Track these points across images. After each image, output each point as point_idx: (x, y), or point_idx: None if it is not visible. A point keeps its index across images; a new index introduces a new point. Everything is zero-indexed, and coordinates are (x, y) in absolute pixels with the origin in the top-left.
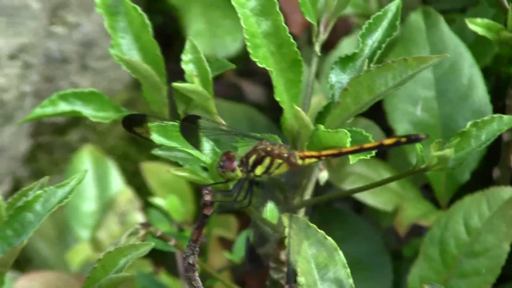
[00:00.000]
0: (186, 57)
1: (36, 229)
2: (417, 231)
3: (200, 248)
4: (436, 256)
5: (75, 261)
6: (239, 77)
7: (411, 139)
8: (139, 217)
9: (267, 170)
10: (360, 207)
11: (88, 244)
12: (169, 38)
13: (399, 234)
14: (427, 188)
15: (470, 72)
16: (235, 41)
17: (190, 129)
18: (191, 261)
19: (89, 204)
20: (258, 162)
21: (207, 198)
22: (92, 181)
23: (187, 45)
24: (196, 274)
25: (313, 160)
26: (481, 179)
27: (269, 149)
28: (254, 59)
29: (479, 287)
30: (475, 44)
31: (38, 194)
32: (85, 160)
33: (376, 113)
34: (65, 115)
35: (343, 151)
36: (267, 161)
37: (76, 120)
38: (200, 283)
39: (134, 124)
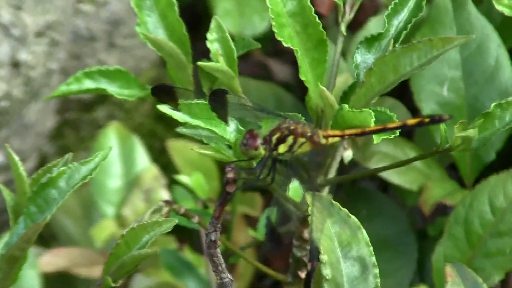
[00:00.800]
0: (211, 36)
1: (62, 206)
2: (442, 210)
3: (225, 225)
4: (461, 235)
5: (100, 237)
6: (267, 56)
7: (435, 120)
8: (164, 194)
9: (290, 149)
10: (385, 186)
11: (113, 220)
12: (198, 17)
13: (424, 213)
14: (452, 167)
15: (497, 53)
16: (263, 20)
17: (219, 103)
18: (213, 238)
19: (114, 181)
20: (281, 140)
21: (230, 175)
22: (118, 158)
23: (213, 24)
24: (218, 251)
25: (336, 139)
26: (507, 159)
27: (292, 127)
28: (279, 38)
29: (504, 267)
30: (502, 25)
31: (62, 171)
32: (111, 137)
33: (403, 93)
34: (90, 93)
35: (366, 130)
36: (290, 139)
37: (103, 97)
38: (222, 260)
39: (162, 94)
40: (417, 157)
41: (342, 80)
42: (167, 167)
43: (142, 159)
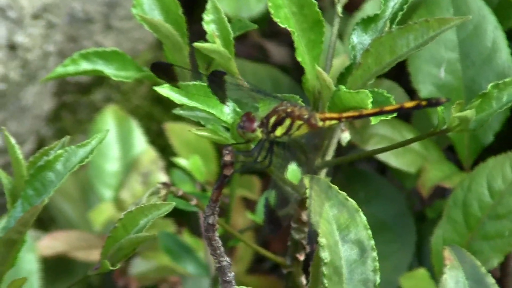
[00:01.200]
0: (207, 17)
1: (59, 189)
2: (441, 192)
3: (223, 208)
4: (459, 218)
5: (98, 220)
6: (263, 38)
7: (432, 103)
8: (162, 177)
9: (287, 131)
10: (383, 169)
11: (111, 204)
12: None
13: (422, 196)
14: (450, 150)
15: (494, 34)
16: (259, 1)
17: (217, 84)
18: (211, 221)
19: (112, 164)
20: (278, 123)
21: (227, 158)
22: (115, 141)
23: (209, 5)
24: (216, 234)
25: (333, 122)
26: (505, 141)
27: (289, 110)
28: (275, 19)
29: (503, 250)
30: (499, 6)
31: (59, 154)
32: (109, 120)
33: (400, 74)
34: (87, 74)
35: (363, 113)
36: (287, 122)
37: (100, 79)
38: (220, 243)
39: (161, 72)
40: (415, 138)
41: (339, 62)
42: (164, 149)
43: (140, 142)
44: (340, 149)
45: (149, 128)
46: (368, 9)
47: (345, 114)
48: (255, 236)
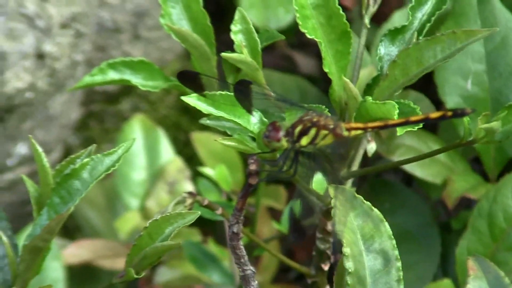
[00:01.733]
0: (235, 27)
1: (86, 197)
2: (466, 203)
3: (248, 218)
4: (484, 229)
5: (124, 229)
6: (291, 48)
7: (457, 113)
8: (188, 187)
9: (312, 141)
10: (409, 180)
11: (137, 212)
12: (222, 8)
13: (448, 207)
14: (476, 161)
15: None
16: (288, 12)
17: (243, 93)
18: (235, 230)
19: (139, 173)
20: (303, 132)
21: (252, 167)
22: (142, 150)
23: (237, 16)
24: (240, 243)
25: (359, 132)
26: None
27: (315, 120)
28: (303, 30)
29: None
30: None
31: (85, 162)
32: (136, 129)
33: (427, 86)
34: (114, 84)
35: (389, 123)
36: (312, 132)
37: (128, 89)
38: (244, 252)
39: (187, 81)
40: (441, 149)
41: (366, 73)
42: (191, 159)
43: (167, 151)
44: (366, 160)
45: (176, 138)
46: (396, 21)
47: (370, 124)
48: (280, 245)
